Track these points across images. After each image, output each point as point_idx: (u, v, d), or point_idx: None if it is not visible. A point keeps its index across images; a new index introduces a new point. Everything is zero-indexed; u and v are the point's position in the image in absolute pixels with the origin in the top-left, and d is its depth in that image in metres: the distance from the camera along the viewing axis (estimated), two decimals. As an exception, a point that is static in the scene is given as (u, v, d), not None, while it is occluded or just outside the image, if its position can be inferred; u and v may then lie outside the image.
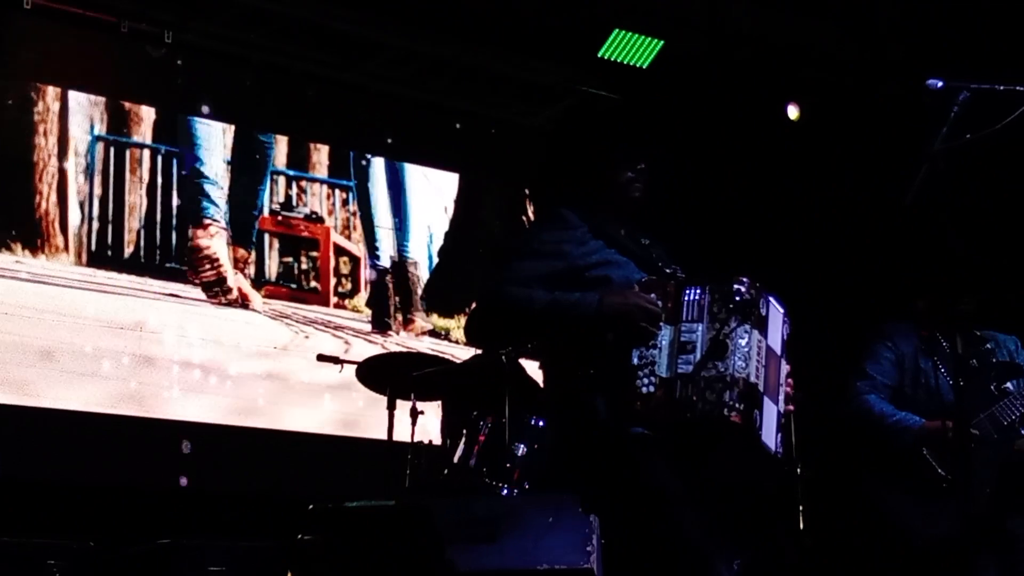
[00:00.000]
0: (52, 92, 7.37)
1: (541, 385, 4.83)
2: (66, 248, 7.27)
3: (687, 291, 3.61)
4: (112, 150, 7.53)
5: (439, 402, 6.56)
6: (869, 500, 4.70)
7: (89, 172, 7.43)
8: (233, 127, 7.89)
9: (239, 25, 7.88)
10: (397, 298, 8.24)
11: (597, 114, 4.19)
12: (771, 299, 3.67)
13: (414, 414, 6.23)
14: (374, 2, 7.91)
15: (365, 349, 7.51)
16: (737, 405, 3.47)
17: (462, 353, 6.85)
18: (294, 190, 8.08)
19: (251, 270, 7.80)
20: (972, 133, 3.53)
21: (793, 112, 8.65)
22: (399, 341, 8.10)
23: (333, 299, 8.07)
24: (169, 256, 7.58)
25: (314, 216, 8.12)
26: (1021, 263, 7.00)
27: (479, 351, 6.30)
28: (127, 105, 7.60)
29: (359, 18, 8.10)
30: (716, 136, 8.19)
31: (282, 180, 8.05)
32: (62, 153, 7.35)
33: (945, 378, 4.57)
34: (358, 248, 8.22)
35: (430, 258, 8.43)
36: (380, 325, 8.14)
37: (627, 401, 3.53)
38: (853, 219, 8.67)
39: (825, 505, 6.41)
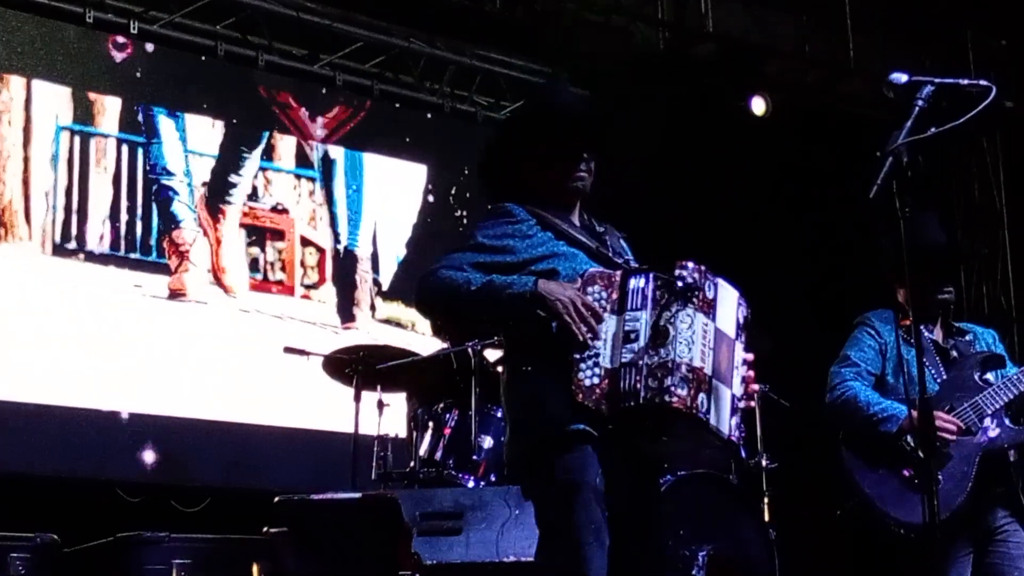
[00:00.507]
0: (17, 81, 7.32)
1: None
2: (30, 237, 7.22)
3: (632, 279, 3.55)
4: (77, 140, 7.48)
5: (405, 394, 6.57)
6: (848, 489, 4.70)
7: (54, 162, 7.38)
8: (198, 118, 7.85)
9: (205, 15, 7.86)
10: (360, 289, 8.22)
11: (541, 104, 4.07)
12: (719, 281, 3.59)
13: (380, 406, 6.24)
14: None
15: (331, 341, 7.49)
16: (678, 391, 3.41)
17: (429, 345, 6.84)
18: (260, 181, 8.05)
19: (217, 261, 7.77)
20: (936, 127, 3.54)
21: (759, 106, 8.66)
22: (365, 332, 8.08)
23: (300, 290, 8.05)
24: (133, 247, 7.53)
25: (280, 207, 8.09)
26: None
27: (445, 344, 6.31)
28: (92, 95, 7.55)
29: (326, 11, 8.11)
30: (680, 130, 8.20)
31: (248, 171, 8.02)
32: (26, 142, 7.30)
33: (927, 368, 4.57)
34: (324, 239, 8.20)
35: (376, 251, 8.35)
36: (345, 316, 8.13)
37: (570, 393, 3.48)
38: (824, 214, 8.73)
39: (793, 496, 6.44)
